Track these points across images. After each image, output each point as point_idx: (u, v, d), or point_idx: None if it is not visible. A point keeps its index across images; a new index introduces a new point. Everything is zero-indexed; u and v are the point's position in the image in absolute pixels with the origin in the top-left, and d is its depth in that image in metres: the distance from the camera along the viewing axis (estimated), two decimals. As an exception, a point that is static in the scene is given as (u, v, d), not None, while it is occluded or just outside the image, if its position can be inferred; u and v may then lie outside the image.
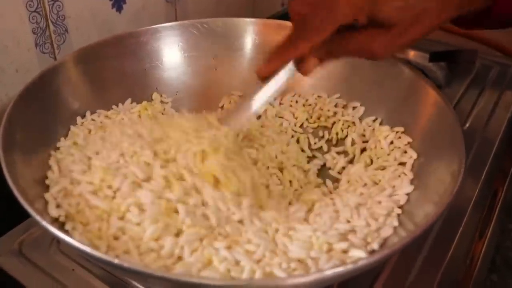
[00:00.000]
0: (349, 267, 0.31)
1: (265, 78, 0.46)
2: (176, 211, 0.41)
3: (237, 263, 0.37)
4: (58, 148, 0.49)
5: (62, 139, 0.50)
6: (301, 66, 0.45)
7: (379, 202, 0.44)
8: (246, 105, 0.47)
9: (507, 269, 0.51)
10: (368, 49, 0.41)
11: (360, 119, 0.56)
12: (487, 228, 0.53)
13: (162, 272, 0.33)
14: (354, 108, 0.58)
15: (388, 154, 0.51)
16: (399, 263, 0.46)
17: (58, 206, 0.42)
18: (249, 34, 0.62)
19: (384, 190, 0.46)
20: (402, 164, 0.49)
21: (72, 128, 0.51)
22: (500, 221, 0.55)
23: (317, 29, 0.41)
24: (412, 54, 0.80)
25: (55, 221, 0.41)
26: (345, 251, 0.39)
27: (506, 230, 0.55)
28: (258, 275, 0.36)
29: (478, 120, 0.68)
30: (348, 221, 0.43)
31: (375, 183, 0.48)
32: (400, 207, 0.44)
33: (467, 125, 0.67)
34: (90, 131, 0.52)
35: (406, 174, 0.47)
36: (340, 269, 0.31)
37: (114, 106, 0.56)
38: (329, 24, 0.40)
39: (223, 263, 0.37)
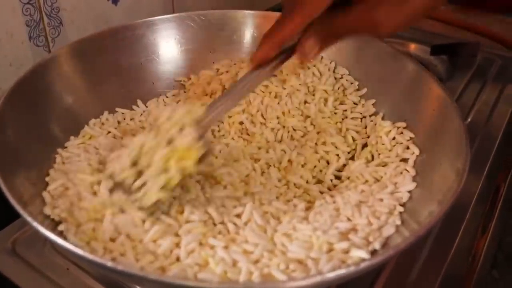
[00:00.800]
0: (351, 269, 0.30)
1: (258, 65, 0.42)
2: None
3: (234, 264, 0.36)
4: (65, 147, 0.49)
5: (72, 137, 0.50)
6: (298, 49, 0.41)
7: (381, 200, 0.43)
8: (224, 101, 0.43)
9: (508, 265, 0.51)
10: (370, 21, 0.37)
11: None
12: (490, 224, 0.52)
13: (156, 275, 0.32)
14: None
15: (390, 150, 0.50)
16: (401, 260, 0.46)
17: (55, 206, 0.41)
18: (248, 26, 0.61)
19: (385, 188, 0.45)
20: (404, 160, 0.48)
21: (86, 128, 0.51)
22: (502, 217, 0.54)
23: (308, 5, 0.37)
24: (413, 47, 0.79)
25: (50, 220, 0.40)
26: (346, 251, 0.38)
27: (508, 225, 0.54)
28: (255, 276, 0.35)
29: (480, 114, 0.68)
30: (349, 220, 0.42)
31: (377, 180, 0.47)
32: (402, 205, 0.43)
33: (469, 119, 0.66)
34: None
35: (408, 171, 0.46)
36: (342, 271, 0.30)
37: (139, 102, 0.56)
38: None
39: (219, 264, 0.36)
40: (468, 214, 0.51)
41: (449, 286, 0.44)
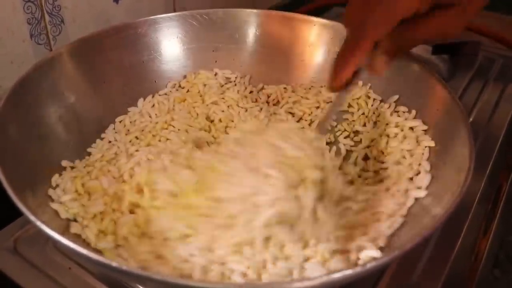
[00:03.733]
0: (358, 269, 0.30)
1: (338, 90, 0.45)
2: None
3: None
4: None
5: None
6: (370, 66, 0.43)
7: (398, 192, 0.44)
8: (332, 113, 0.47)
9: (510, 264, 0.51)
10: (441, 32, 0.39)
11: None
12: (492, 223, 0.52)
13: (159, 275, 0.31)
14: None
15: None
16: (404, 260, 0.45)
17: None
18: (251, 25, 0.60)
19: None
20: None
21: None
22: (504, 216, 0.54)
23: (375, 26, 0.38)
24: (414, 47, 0.79)
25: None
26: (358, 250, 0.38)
27: (509, 225, 0.54)
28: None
29: (482, 113, 0.68)
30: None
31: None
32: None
33: (471, 119, 0.66)
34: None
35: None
36: (349, 272, 0.30)
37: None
38: (388, 20, 0.38)
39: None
40: (470, 214, 0.51)
41: (452, 285, 0.44)
